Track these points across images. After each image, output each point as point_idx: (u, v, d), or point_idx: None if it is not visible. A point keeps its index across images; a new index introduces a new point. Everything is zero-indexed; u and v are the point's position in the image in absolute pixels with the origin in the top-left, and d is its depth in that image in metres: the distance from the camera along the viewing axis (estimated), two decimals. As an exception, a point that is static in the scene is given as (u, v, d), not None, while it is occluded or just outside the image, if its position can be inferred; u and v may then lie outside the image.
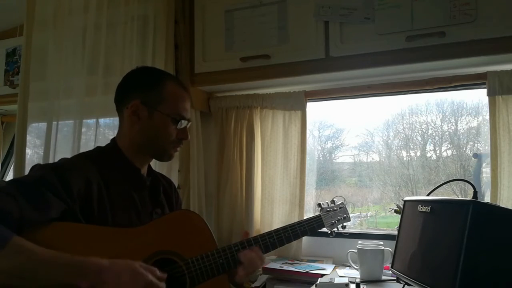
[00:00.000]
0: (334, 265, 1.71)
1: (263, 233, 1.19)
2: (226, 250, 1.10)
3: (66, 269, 0.81)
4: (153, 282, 0.89)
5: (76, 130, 1.50)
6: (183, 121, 1.11)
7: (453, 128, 2.01)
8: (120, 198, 1.05)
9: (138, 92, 1.08)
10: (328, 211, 1.34)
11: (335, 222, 1.34)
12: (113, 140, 1.14)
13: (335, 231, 1.36)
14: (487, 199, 1.67)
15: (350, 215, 1.40)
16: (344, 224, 1.37)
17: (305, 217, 1.56)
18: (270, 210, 1.92)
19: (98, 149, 1.14)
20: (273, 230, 1.21)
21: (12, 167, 2.49)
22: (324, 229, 1.34)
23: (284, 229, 1.22)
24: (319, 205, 1.36)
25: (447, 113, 1.99)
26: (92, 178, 0.99)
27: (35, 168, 0.98)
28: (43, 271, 0.80)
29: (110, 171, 1.06)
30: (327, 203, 1.38)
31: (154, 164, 1.62)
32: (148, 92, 1.08)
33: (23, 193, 0.86)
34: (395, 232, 1.39)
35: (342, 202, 1.40)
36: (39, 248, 0.81)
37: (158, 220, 1.09)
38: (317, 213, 1.34)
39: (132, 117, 1.08)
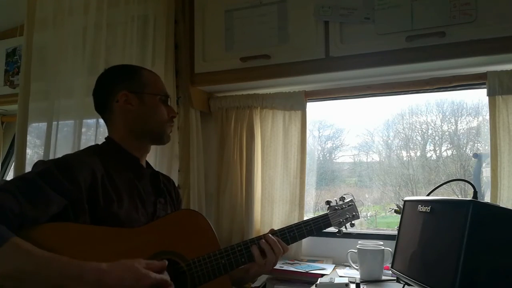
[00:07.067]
0: (334, 265, 1.71)
1: (266, 233, 1.18)
2: (229, 251, 1.11)
3: (65, 273, 0.80)
4: (157, 279, 0.88)
5: (76, 130, 1.50)
6: (168, 98, 1.19)
7: (453, 128, 2.01)
8: (124, 187, 1.07)
9: (121, 84, 1.13)
10: (336, 209, 1.31)
11: (343, 221, 1.31)
12: (107, 137, 1.16)
13: (343, 230, 1.32)
14: (487, 199, 1.67)
15: (360, 213, 1.36)
16: (353, 222, 1.34)
17: (305, 217, 1.55)
18: (270, 210, 1.92)
19: (95, 146, 1.16)
20: (278, 229, 1.21)
21: (12, 167, 2.49)
22: (332, 228, 1.31)
23: (289, 228, 1.21)
24: (327, 202, 1.33)
25: (447, 113, 1.99)
26: (96, 169, 1.01)
27: (38, 164, 0.99)
28: (41, 274, 0.79)
29: (111, 162, 1.08)
30: (335, 200, 1.34)
31: (154, 164, 1.63)
32: (130, 81, 1.14)
33: (23, 190, 0.87)
34: (395, 232, 1.39)
35: (351, 200, 1.36)
36: (37, 249, 0.81)
37: (161, 220, 1.09)
38: (326, 212, 1.30)
39: (125, 106, 1.12)
